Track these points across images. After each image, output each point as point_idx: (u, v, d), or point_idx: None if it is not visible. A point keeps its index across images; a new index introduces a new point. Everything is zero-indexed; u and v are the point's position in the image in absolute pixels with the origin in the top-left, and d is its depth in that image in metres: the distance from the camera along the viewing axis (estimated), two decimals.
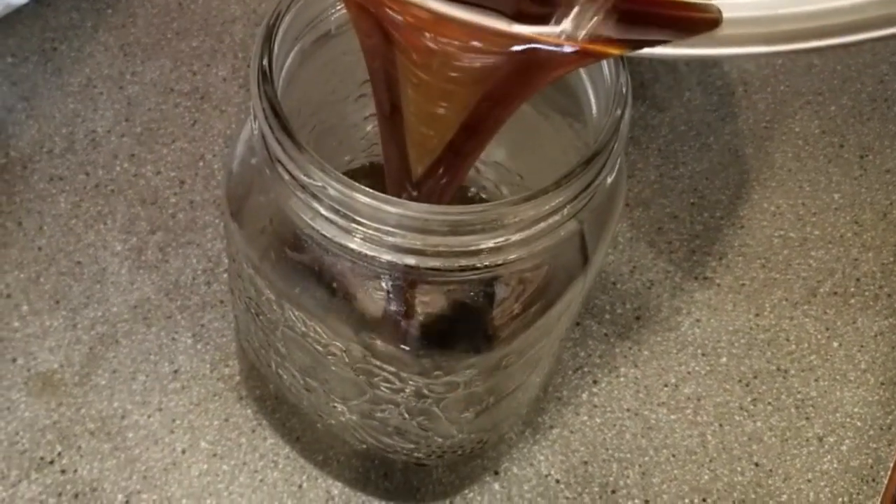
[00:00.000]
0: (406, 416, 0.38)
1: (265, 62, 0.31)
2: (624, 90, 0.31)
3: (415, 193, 0.34)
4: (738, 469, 0.49)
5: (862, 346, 0.52)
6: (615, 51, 0.28)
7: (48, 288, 0.51)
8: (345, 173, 0.29)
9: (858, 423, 0.50)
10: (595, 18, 0.27)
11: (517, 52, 0.29)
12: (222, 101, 0.58)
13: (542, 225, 0.30)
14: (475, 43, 0.29)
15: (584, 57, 0.29)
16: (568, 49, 0.28)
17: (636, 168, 0.57)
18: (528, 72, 0.29)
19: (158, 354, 0.50)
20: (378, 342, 0.34)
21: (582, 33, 0.28)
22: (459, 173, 0.34)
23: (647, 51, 0.28)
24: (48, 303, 0.51)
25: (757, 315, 0.53)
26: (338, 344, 0.35)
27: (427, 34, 0.29)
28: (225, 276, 0.52)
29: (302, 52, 0.35)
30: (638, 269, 0.54)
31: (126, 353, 0.50)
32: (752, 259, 0.55)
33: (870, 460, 0.49)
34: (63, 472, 0.47)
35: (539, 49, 0.28)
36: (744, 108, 0.60)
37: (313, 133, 0.40)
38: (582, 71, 0.34)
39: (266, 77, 0.31)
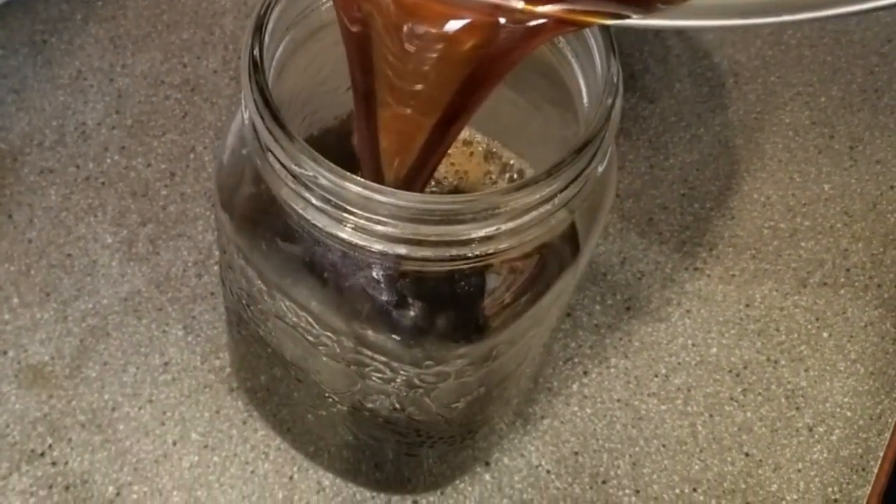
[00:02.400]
0: (397, 406, 0.38)
1: (256, 52, 0.31)
2: (615, 79, 0.31)
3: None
4: (729, 459, 0.49)
5: (852, 337, 0.53)
6: (594, 19, 0.29)
7: (39, 280, 0.51)
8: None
9: (848, 413, 0.50)
10: None
11: (495, 22, 0.29)
12: (213, 93, 0.58)
13: (534, 214, 0.30)
14: (454, 21, 0.29)
15: (561, 25, 0.29)
16: (544, 19, 0.28)
17: (626, 159, 0.57)
18: (505, 43, 0.30)
19: (149, 346, 0.50)
20: (369, 332, 0.34)
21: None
22: (437, 154, 0.34)
23: (628, 21, 0.28)
24: (39, 295, 0.51)
25: (747, 306, 0.53)
26: (329, 334, 0.35)
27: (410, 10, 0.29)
28: (216, 268, 0.52)
29: (293, 43, 0.35)
30: (628, 261, 0.54)
31: (117, 346, 0.50)
32: (743, 250, 0.55)
33: (860, 450, 0.50)
34: (54, 464, 0.47)
35: (516, 18, 0.29)
36: (734, 99, 0.60)
37: (304, 123, 0.39)
38: (572, 60, 0.34)
39: (257, 67, 0.31)
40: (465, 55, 0.30)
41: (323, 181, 0.29)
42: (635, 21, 0.28)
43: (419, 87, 0.31)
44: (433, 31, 0.29)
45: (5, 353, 0.49)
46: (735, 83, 0.60)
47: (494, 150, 0.40)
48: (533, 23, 0.29)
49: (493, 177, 0.40)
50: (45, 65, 0.58)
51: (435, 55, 0.30)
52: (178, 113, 0.57)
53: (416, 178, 0.34)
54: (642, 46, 0.61)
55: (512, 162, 0.40)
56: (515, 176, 0.40)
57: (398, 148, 0.33)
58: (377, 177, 0.34)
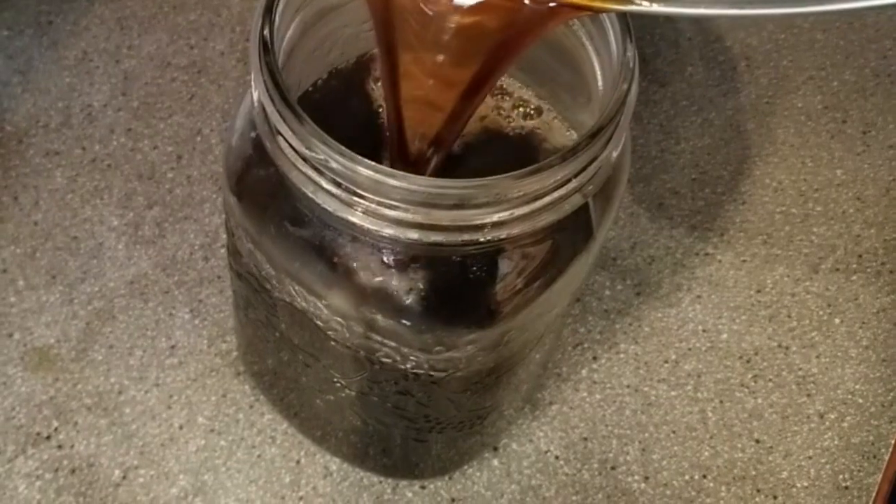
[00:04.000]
0: (406, 391, 0.38)
1: (266, 33, 0.30)
2: (631, 63, 0.31)
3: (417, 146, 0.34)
4: (739, 445, 0.49)
5: (864, 323, 0.52)
6: (609, 5, 0.29)
7: (44, 263, 0.51)
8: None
9: (860, 400, 0.50)
10: None
11: (518, 5, 0.29)
12: (220, 75, 0.57)
13: (547, 199, 0.30)
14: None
15: (577, 10, 0.30)
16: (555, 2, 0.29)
17: (637, 143, 0.56)
18: (524, 24, 0.30)
19: (155, 330, 0.50)
20: (379, 317, 0.34)
21: None
22: (464, 116, 0.34)
23: (641, 8, 0.28)
24: (44, 278, 0.50)
25: (758, 291, 0.53)
26: (338, 319, 0.35)
27: None
28: (222, 251, 0.52)
29: (303, 24, 0.34)
30: (639, 245, 0.53)
31: (123, 329, 0.49)
32: (754, 235, 0.54)
33: (871, 437, 0.49)
34: (60, 447, 0.47)
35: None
36: (746, 83, 0.59)
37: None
38: (587, 43, 0.33)
39: (267, 48, 0.30)
40: (487, 33, 0.30)
41: (333, 164, 0.29)
42: (648, 8, 0.28)
43: (441, 56, 0.31)
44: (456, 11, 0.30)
45: (11, 335, 0.49)
46: (747, 67, 0.60)
47: (506, 86, 0.39)
48: (549, 5, 0.29)
49: (505, 112, 0.39)
50: (50, 46, 0.57)
51: (457, 30, 0.30)
52: (184, 95, 0.56)
53: (441, 143, 0.34)
54: (654, 30, 0.61)
55: (526, 97, 0.39)
56: (532, 112, 0.39)
57: (423, 114, 0.33)
58: (402, 144, 0.34)
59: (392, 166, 0.34)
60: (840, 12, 0.26)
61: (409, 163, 0.35)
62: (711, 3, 0.28)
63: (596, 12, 0.31)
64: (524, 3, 0.30)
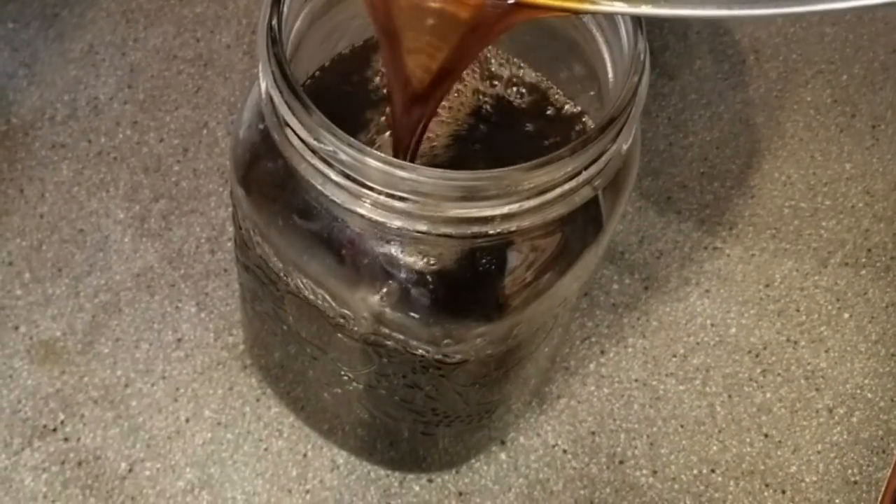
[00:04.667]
0: (414, 385, 0.38)
1: (274, 23, 0.30)
2: (642, 56, 0.30)
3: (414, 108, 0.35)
4: (747, 440, 0.49)
5: (873, 318, 0.52)
6: (570, 4, 0.29)
7: (50, 256, 0.51)
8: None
9: (869, 395, 0.50)
10: None
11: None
12: (226, 67, 0.57)
13: (557, 192, 0.30)
14: None
15: (537, 10, 0.30)
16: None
17: (646, 137, 0.56)
18: (491, 17, 0.31)
19: (162, 323, 0.49)
20: (387, 310, 0.34)
21: None
22: (456, 73, 0.34)
23: (615, 7, 0.28)
24: (50, 271, 0.50)
25: (767, 286, 0.52)
26: (346, 312, 0.35)
27: None
28: (229, 244, 0.51)
29: (311, 15, 0.34)
30: (647, 239, 0.53)
31: (129, 322, 0.49)
32: (763, 229, 0.54)
33: (880, 432, 0.49)
34: (66, 439, 0.46)
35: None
36: (755, 76, 0.59)
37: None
38: (599, 36, 0.33)
39: (275, 39, 0.30)
40: (459, 22, 0.32)
41: (342, 156, 0.29)
42: (611, 8, 0.28)
43: (430, 21, 0.32)
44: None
45: (17, 328, 0.49)
46: (756, 60, 0.60)
47: (516, 75, 0.39)
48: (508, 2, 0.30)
49: (515, 100, 0.39)
50: (56, 39, 0.57)
51: (434, 15, 0.32)
52: (190, 88, 0.56)
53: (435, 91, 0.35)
54: (662, 23, 0.60)
55: (521, 73, 0.39)
56: (525, 91, 0.39)
57: (419, 65, 0.34)
58: (404, 95, 0.35)
59: (393, 122, 0.35)
60: (807, 13, 0.26)
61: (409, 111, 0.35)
62: (678, 3, 0.28)
63: (554, 12, 0.31)
64: (485, 2, 0.31)
